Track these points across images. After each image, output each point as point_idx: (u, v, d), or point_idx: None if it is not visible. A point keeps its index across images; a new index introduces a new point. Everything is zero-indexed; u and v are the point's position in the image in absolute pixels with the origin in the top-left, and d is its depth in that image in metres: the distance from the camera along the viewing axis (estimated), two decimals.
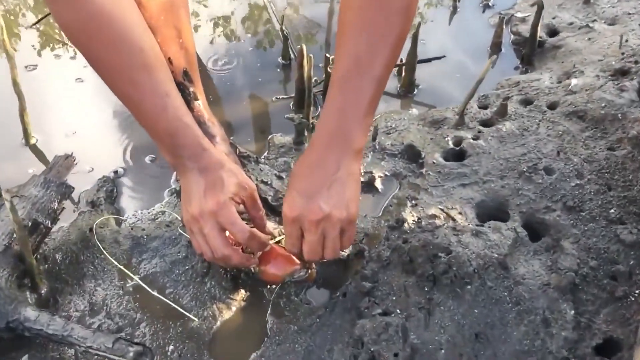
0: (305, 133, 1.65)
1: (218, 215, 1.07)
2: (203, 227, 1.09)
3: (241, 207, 1.15)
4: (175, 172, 1.53)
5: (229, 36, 2.16)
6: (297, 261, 1.19)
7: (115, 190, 1.54)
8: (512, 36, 2.05)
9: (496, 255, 1.24)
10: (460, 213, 1.39)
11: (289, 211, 1.08)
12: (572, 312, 1.16)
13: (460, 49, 2.02)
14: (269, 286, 1.28)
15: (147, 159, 1.64)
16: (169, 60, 1.37)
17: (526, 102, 1.68)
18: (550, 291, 1.20)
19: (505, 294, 1.20)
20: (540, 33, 1.92)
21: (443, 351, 1.12)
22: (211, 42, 2.12)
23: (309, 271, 1.22)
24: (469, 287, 1.20)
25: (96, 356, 1.11)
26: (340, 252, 1.17)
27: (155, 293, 1.28)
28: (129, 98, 1.09)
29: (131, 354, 1.08)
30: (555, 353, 1.11)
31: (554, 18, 2.01)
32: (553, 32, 1.98)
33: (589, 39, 1.86)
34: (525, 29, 2.00)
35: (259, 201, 1.20)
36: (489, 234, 1.30)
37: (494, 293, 1.20)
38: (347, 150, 1.06)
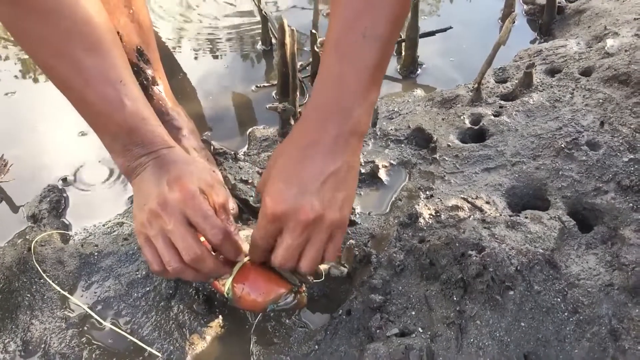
0: (292, 122, 1.38)
1: (187, 205, 0.83)
2: (166, 224, 0.83)
3: None
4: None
5: (201, 19, 1.90)
6: (283, 283, 0.90)
7: (62, 200, 1.27)
8: (525, 6, 1.82)
9: (541, 251, 0.97)
10: (487, 202, 1.12)
11: (274, 205, 0.80)
12: None
13: (467, 23, 1.77)
14: None
15: (103, 163, 1.36)
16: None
17: (553, 71, 1.42)
18: (614, 293, 0.95)
19: (559, 299, 0.93)
20: None
21: None
22: (180, 26, 1.86)
23: (298, 296, 0.92)
24: (511, 292, 0.92)
25: None
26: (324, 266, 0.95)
27: (107, 323, 1.04)
28: (69, 86, 0.86)
29: None
30: None
31: None
32: None
33: None
34: None
35: (230, 209, 0.92)
36: (528, 225, 1.03)
37: (544, 299, 0.93)
38: (347, 133, 0.81)
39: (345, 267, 1.05)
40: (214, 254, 0.88)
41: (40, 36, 0.83)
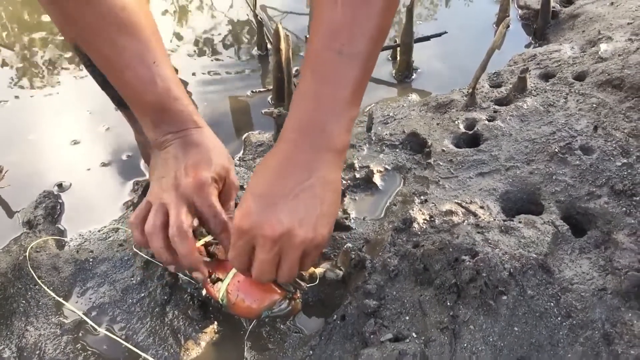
0: None
1: (196, 192, 0.88)
2: (172, 200, 0.87)
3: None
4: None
5: (197, 24, 1.90)
6: (277, 290, 0.90)
7: (58, 206, 1.27)
8: (519, 10, 1.82)
9: (534, 256, 0.97)
10: (482, 207, 1.12)
11: (240, 220, 0.80)
12: None
13: (462, 28, 1.78)
14: None
15: (98, 168, 1.36)
16: None
17: (547, 76, 1.43)
18: (608, 298, 0.95)
19: (552, 304, 0.93)
20: (553, 3, 1.67)
21: None
22: (176, 34, 1.86)
23: (293, 302, 0.92)
24: (504, 297, 0.92)
25: None
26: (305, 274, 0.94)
27: (102, 330, 1.03)
28: (107, 65, 0.91)
29: None
30: None
31: None
32: (567, 1, 1.76)
33: (612, 3, 1.62)
34: (534, 1, 1.78)
35: (232, 202, 0.97)
36: (522, 229, 1.03)
37: (537, 304, 0.93)
38: (323, 149, 0.80)
39: (341, 270, 1.05)
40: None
41: (80, 20, 0.86)
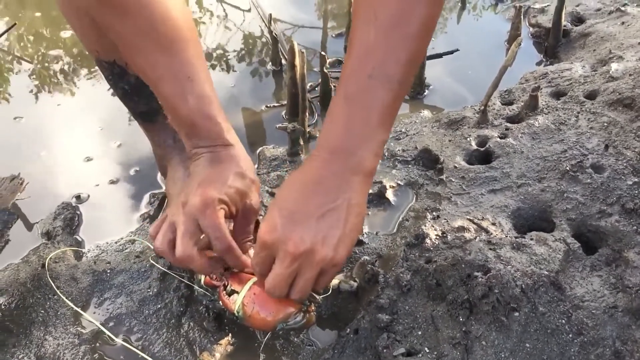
0: (301, 142, 1.41)
1: (200, 212, 0.87)
2: (179, 219, 0.89)
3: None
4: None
5: (209, 38, 1.94)
6: (292, 303, 0.92)
7: (76, 217, 1.29)
8: (531, 29, 1.84)
9: (546, 273, 0.98)
10: (493, 224, 1.13)
11: (265, 233, 0.82)
12: None
13: (474, 46, 1.80)
14: None
15: (114, 182, 1.39)
16: None
17: (558, 94, 1.44)
18: (619, 315, 0.96)
19: (563, 321, 0.94)
20: (564, 22, 1.69)
21: None
22: None
23: (307, 315, 0.94)
24: (516, 314, 0.93)
25: None
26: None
27: (119, 340, 1.05)
28: (145, 77, 0.93)
29: None
30: None
31: (577, 6, 1.80)
32: (578, 20, 1.77)
33: (623, 22, 1.63)
34: (545, 20, 1.79)
35: (252, 225, 0.97)
36: (533, 246, 1.05)
37: (548, 321, 0.94)
38: (352, 172, 0.82)
39: (355, 281, 1.06)
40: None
41: (114, 32, 0.89)
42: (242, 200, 0.93)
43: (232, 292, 0.94)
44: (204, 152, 0.93)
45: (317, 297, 0.95)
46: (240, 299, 0.92)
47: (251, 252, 0.97)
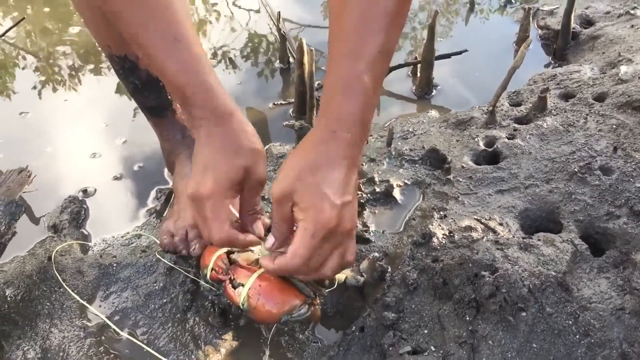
0: None
1: (210, 202, 0.84)
2: (195, 213, 0.87)
3: None
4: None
5: (216, 36, 1.94)
6: (297, 294, 0.92)
7: (83, 211, 1.29)
8: (539, 31, 1.84)
9: (553, 273, 0.98)
10: (501, 224, 1.13)
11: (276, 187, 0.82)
12: None
13: (482, 47, 1.79)
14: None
15: (120, 177, 1.39)
16: None
17: (567, 96, 1.44)
18: (626, 317, 0.95)
19: (570, 322, 0.94)
20: (573, 25, 1.68)
21: None
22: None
23: (313, 307, 0.94)
24: (523, 314, 0.93)
25: None
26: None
27: (124, 334, 1.05)
28: (136, 40, 0.86)
29: None
30: None
31: (587, 8, 1.80)
32: (587, 22, 1.76)
33: (632, 26, 1.63)
34: (554, 22, 1.78)
35: (259, 197, 0.93)
36: (541, 247, 1.04)
37: (555, 322, 0.93)
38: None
39: (362, 276, 1.06)
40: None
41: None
42: (249, 176, 0.88)
43: (237, 285, 0.94)
44: (202, 124, 0.86)
45: (322, 289, 0.95)
46: (246, 290, 0.91)
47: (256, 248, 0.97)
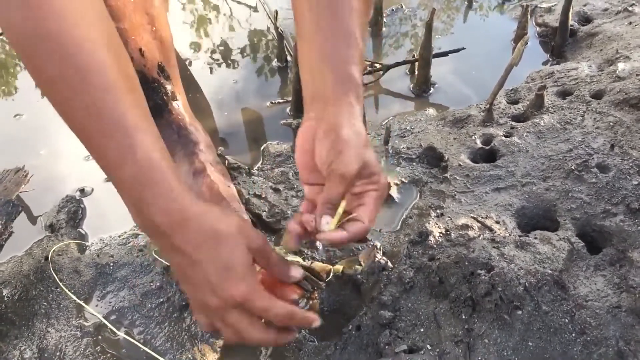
0: None
1: (247, 306, 0.74)
2: (227, 318, 0.75)
3: None
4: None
5: (215, 35, 1.93)
6: (296, 289, 0.91)
7: (80, 211, 1.29)
8: (537, 28, 1.83)
9: (549, 272, 0.98)
10: (497, 222, 1.13)
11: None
12: None
13: (480, 45, 1.79)
14: None
15: None
16: (140, 52, 1.15)
17: (564, 94, 1.43)
18: (622, 315, 0.95)
19: (566, 320, 0.94)
20: (571, 22, 1.68)
21: None
22: (195, 43, 1.90)
23: (311, 302, 0.93)
24: (519, 312, 0.93)
25: None
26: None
27: (121, 333, 1.05)
28: (82, 130, 0.70)
29: None
30: None
31: (584, 5, 1.79)
32: (585, 20, 1.76)
33: (630, 23, 1.62)
34: (552, 19, 1.77)
35: (271, 253, 0.81)
36: (537, 245, 1.04)
37: (551, 320, 0.93)
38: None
39: (360, 265, 1.04)
40: None
41: (56, 80, 0.72)
42: (261, 255, 0.78)
43: None
44: (175, 235, 0.70)
45: (321, 282, 0.95)
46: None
47: None
